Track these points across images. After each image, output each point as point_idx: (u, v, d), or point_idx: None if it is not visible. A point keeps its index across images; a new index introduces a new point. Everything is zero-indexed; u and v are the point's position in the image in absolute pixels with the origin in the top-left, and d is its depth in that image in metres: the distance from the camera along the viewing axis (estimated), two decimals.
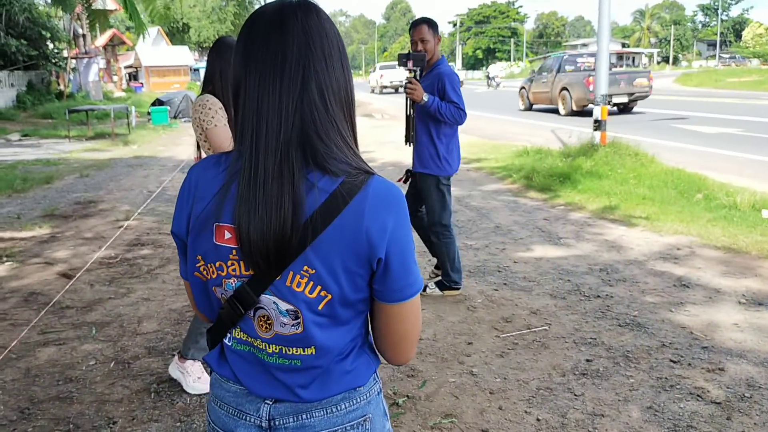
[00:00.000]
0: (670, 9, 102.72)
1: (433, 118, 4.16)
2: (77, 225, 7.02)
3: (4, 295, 4.77)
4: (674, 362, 3.44)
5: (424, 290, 4.39)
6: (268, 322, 1.11)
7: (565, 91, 18.71)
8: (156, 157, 12.81)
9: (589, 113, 15.82)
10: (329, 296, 1.07)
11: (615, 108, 17.84)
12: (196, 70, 49.14)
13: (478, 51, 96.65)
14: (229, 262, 1.10)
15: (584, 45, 70.48)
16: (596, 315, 4.13)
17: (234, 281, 1.11)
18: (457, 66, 75.48)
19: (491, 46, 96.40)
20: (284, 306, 1.09)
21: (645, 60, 75.27)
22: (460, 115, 4.13)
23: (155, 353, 3.70)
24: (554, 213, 7.00)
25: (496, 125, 17.30)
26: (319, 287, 1.06)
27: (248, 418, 1.16)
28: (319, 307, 1.08)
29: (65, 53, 30.41)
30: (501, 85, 41.73)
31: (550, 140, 12.50)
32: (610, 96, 15.94)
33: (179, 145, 14.92)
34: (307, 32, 1.08)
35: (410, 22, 4.32)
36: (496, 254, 5.56)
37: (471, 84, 47.71)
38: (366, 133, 16.33)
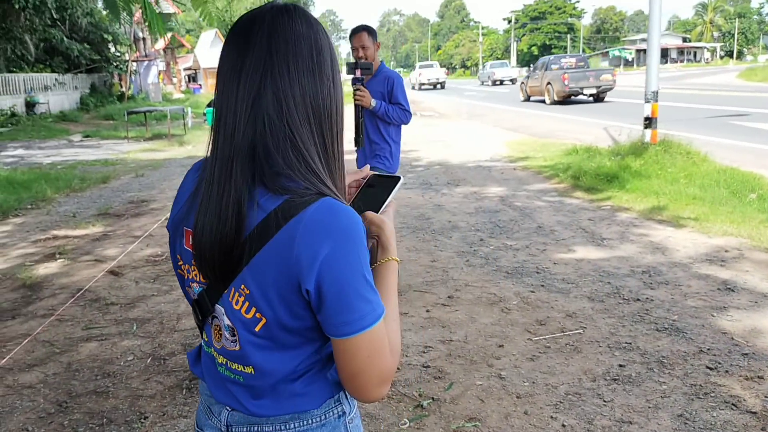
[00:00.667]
0: (735, 1, 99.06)
1: (382, 119, 4.40)
2: (128, 223, 7.26)
3: (54, 292, 4.97)
4: (711, 369, 3.33)
5: None
6: (220, 332, 1.10)
7: (549, 85, 23.41)
8: None
9: (568, 102, 22.85)
10: (264, 319, 1.02)
11: (590, 98, 22.93)
12: None
13: (533, 48, 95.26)
14: (192, 267, 1.11)
15: (643, 40, 68.63)
16: (634, 319, 4.03)
17: (197, 286, 1.12)
18: (511, 63, 74.61)
19: (547, 43, 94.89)
20: (226, 321, 1.07)
21: (707, 55, 72.93)
22: (405, 116, 4.41)
23: (190, 349, 3.79)
24: (600, 213, 6.86)
25: (544, 123, 17.05)
26: (253, 309, 1.02)
27: (214, 420, 1.17)
28: (256, 329, 1.04)
29: (126, 56, 31.43)
30: None
31: (600, 138, 12.24)
32: (582, 88, 22.19)
33: None
34: (272, 35, 1.02)
35: (351, 30, 4.49)
36: (536, 255, 5.48)
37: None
38: (415, 132, 16.34)
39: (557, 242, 5.84)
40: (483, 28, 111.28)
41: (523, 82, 27.41)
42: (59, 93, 25.59)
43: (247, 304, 1.02)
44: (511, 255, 5.51)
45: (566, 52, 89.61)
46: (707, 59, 71.07)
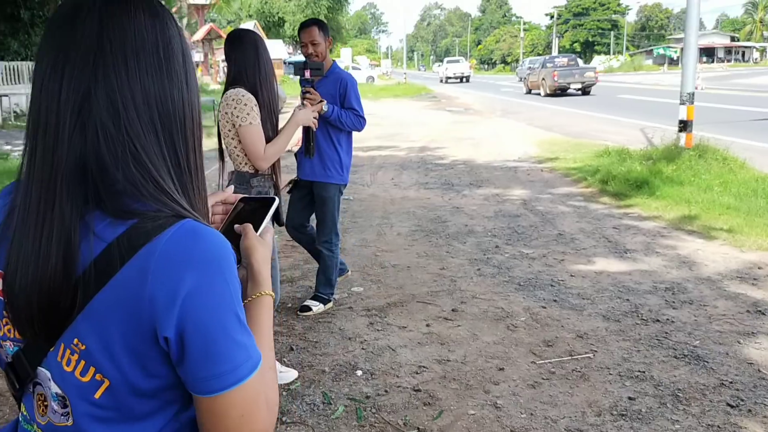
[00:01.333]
0: None
1: (334, 126, 4.02)
2: None
3: None
4: (732, 406, 2.99)
5: (308, 310, 4.20)
6: (45, 403, 0.86)
7: (543, 80, 28.49)
8: None
9: (559, 94, 27.11)
10: (106, 382, 0.80)
11: (579, 92, 27.28)
12: (291, 63, 50.17)
13: (575, 44, 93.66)
14: (4, 321, 0.86)
15: None
16: (651, 343, 3.70)
17: (10, 345, 0.87)
18: None
19: (590, 39, 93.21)
20: (54, 388, 0.84)
21: (756, 54, 70.62)
22: (359, 122, 4.06)
23: None
24: (626, 222, 6.48)
25: (580, 122, 16.55)
26: (92, 369, 0.80)
27: None
28: (96, 396, 0.81)
29: None
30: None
31: (634, 139, 11.76)
32: (569, 83, 26.79)
33: None
34: (104, 23, 0.82)
35: (299, 24, 4.10)
36: (552, 266, 5.16)
37: None
38: (445, 128, 16.01)
39: (577, 252, 5.51)
40: (525, 23, 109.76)
41: (525, 77, 33.01)
42: None
43: (83, 363, 0.80)
44: (526, 265, 5.19)
45: (609, 50, 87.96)
46: (756, 59, 68.83)
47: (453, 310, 4.25)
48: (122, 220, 0.80)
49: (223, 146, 3.05)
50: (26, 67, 20.97)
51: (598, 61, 64.75)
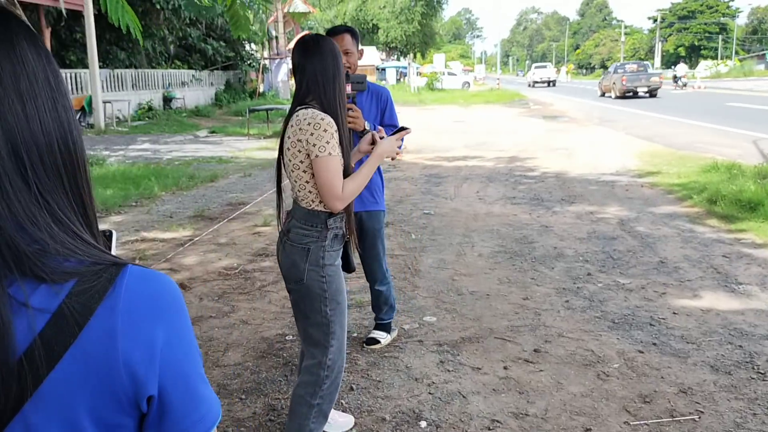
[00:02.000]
0: None
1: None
2: (217, 229, 7.04)
3: None
4: None
5: (376, 343, 3.86)
6: None
7: (614, 84, 31.90)
8: None
9: (629, 96, 30.59)
10: None
11: (646, 94, 30.75)
12: (383, 69, 50.37)
13: (680, 48, 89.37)
14: None
15: None
16: None
17: None
18: (655, 65, 70.28)
19: (696, 43, 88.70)
20: None
21: None
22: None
23: (223, 394, 3.35)
24: (738, 249, 5.78)
25: (684, 132, 15.45)
26: None
27: None
28: None
29: (259, 54, 32.43)
30: (695, 85, 37.95)
31: (748, 153, 10.77)
32: (636, 87, 30.55)
33: None
34: None
35: (327, 30, 3.52)
36: (652, 300, 4.60)
37: (665, 84, 43.88)
38: (537, 137, 15.35)
39: (681, 284, 4.91)
40: (626, 27, 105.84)
41: (600, 82, 36.56)
42: (195, 89, 26.74)
43: None
44: (621, 297, 4.66)
45: (717, 54, 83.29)
46: None
47: (535, 351, 3.80)
48: (57, 284, 0.71)
49: (286, 179, 2.51)
50: (129, 74, 21.88)
51: (704, 66, 61.21)
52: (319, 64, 2.41)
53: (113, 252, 0.88)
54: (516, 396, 3.28)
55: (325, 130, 2.29)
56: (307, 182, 2.38)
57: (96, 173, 10.37)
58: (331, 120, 2.32)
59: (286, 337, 4.07)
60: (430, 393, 3.33)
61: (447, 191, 8.99)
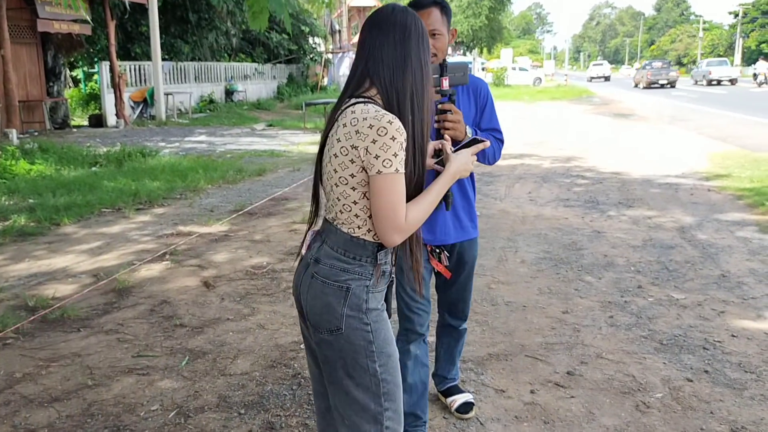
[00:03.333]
0: None
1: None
2: (254, 225, 6.88)
3: (138, 301, 4.60)
4: None
5: (467, 412, 3.00)
6: None
7: (641, 78, 41.49)
8: None
9: (653, 87, 39.63)
10: None
11: (669, 86, 39.22)
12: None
13: (763, 45, 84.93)
14: None
15: None
16: None
17: None
18: (735, 61, 67.04)
19: None
20: None
21: None
22: (499, 149, 2.77)
23: (222, 407, 3.12)
24: None
25: (762, 132, 14.47)
26: None
27: None
28: None
29: (322, 48, 32.48)
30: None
31: None
32: (658, 80, 39.42)
33: None
34: None
35: (410, 1, 2.59)
36: (709, 319, 4.13)
37: (744, 82, 41.71)
38: (601, 135, 14.68)
39: (743, 302, 4.41)
40: (705, 22, 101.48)
41: (634, 76, 45.93)
42: (257, 82, 26.95)
43: None
44: (673, 315, 4.21)
45: None
46: None
47: (568, 373, 3.42)
48: None
49: (325, 190, 1.89)
50: (192, 67, 22.19)
51: None
52: (387, 41, 1.79)
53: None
54: (540, 426, 2.92)
55: (393, 138, 1.68)
56: (355, 202, 1.78)
57: (147, 165, 10.43)
58: (401, 124, 1.71)
59: (301, 345, 3.82)
60: (444, 417, 3.01)
61: (498, 191, 8.58)
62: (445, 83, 2.37)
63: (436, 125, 2.44)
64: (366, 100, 1.76)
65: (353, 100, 1.77)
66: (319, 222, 1.94)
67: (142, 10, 18.37)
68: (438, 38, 2.52)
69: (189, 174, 9.65)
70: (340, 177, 1.76)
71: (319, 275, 1.81)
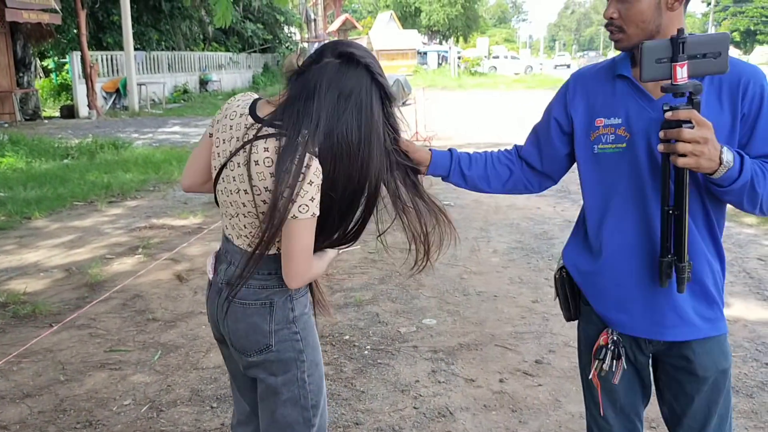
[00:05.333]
0: None
1: (717, 201, 1.62)
2: None
3: (109, 295, 4.59)
4: None
5: None
6: None
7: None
8: None
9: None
10: None
11: None
12: (424, 53, 49.77)
13: (734, 33, 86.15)
14: None
15: None
16: None
17: None
18: None
19: (752, 28, 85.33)
20: None
21: None
22: None
23: (195, 401, 3.14)
24: None
25: None
26: None
27: None
28: None
29: (297, 37, 32.29)
30: None
31: None
32: None
33: None
34: None
35: None
36: None
37: None
38: None
39: None
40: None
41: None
42: (232, 71, 26.75)
43: None
44: None
45: None
46: None
47: (536, 362, 3.49)
48: None
49: (225, 211, 1.74)
50: (165, 56, 21.94)
51: (760, 52, 58.91)
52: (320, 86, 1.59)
53: None
54: (508, 414, 2.99)
55: (311, 183, 1.55)
56: (251, 224, 1.69)
57: (120, 157, 10.33)
58: (318, 165, 1.55)
59: None
60: (414, 407, 3.06)
61: None
62: (682, 72, 1.46)
63: (660, 148, 1.48)
64: (278, 133, 1.57)
65: (265, 130, 1.59)
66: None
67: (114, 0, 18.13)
68: (626, 2, 1.58)
69: (162, 166, 9.59)
70: (248, 211, 1.65)
71: (237, 298, 1.70)
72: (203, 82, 23.97)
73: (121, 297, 4.56)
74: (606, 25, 1.64)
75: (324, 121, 1.57)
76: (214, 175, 1.72)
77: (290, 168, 1.52)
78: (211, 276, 1.80)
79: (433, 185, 6.40)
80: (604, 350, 1.72)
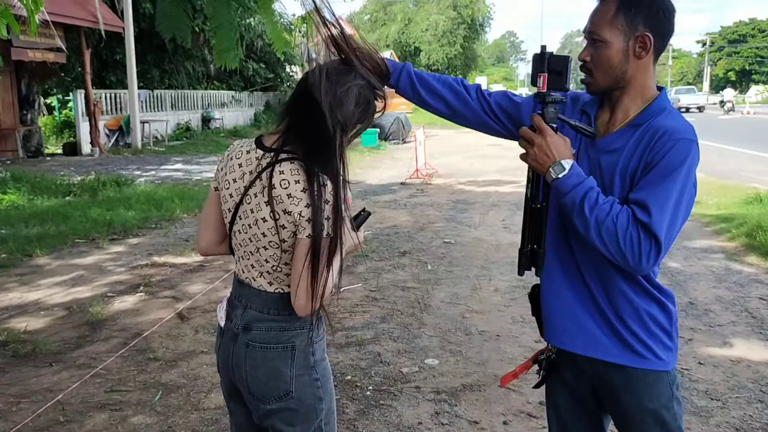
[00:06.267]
0: None
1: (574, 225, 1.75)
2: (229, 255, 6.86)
3: (110, 334, 4.57)
4: None
5: None
6: None
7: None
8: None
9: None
10: None
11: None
12: None
13: (730, 72, 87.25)
14: None
15: None
16: None
17: None
18: (704, 89, 68.68)
19: (746, 68, 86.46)
20: None
21: None
22: (637, 243, 1.58)
23: None
24: None
25: (729, 160, 14.83)
26: None
27: None
28: None
29: (299, 76, 32.70)
30: (744, 110, 36.99)
31: None
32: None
33: (376, 169, 14.83)
34: None
35: None
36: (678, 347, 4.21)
37: (712, 109, 42.77)
38: None
39: (710, 329, 4.51)
40: (674, 50, 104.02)
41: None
42: (235, 110, 27.01)
43: None
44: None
45: None
46: None
47: (540, 403, 3.46)
48: None
49: (241, 249, 1.74)
50: (168, 95, 22.17)
51: (755, 91, 59.65)
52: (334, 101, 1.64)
53: None
54: None
55: (327, 201, 1.60)
56: (286, 263, 1.67)
57: (122, 194, 10.37)
58: (333, 186, 1.61)
59: None
60: None
61: (472, 219, 8.67)
62: (539, 82, 1.69)
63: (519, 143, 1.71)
64: (291, 157, 1.62)
65: (282, 156, 1.63)
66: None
67: (118, 39, 18.36)
68: (597, 47, 1.67)
69: (164, 203, 9.62)
70: (270, 241, 1.65)
71: (256, 342, 1.68)
72: (206, 120, 24.16)
73: (122, 336, 4.54)
74: (580, 68, 1.72)
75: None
76: (228, 219, 1.75)
77: (312, 189, 1.57)
78: (223, 323, 1.78)
79: (432, 223, 6.47)
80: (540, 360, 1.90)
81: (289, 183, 1.59)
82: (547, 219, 1.75)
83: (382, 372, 3.87)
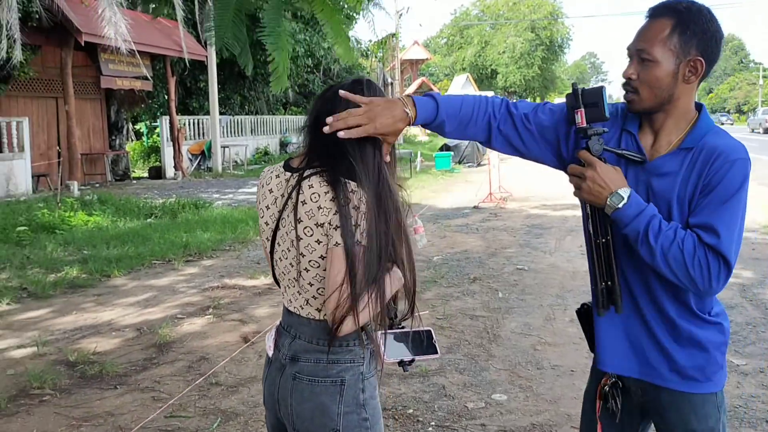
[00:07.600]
0: None
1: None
2: None
3: (176, 357, 4.59)
4: None
5: None
6: None
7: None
8: (420, 204, 12.51)
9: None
10: None
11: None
12: None
13: None
14: None
15: None
16: None
17: None
18: None
19: None
20: None
21: None
22: (704, 271, 1.55)
23: None
24: None
25: None
26: None
27: None
28: None
29: None
30: None
31: None
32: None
33: (449, 192, 14.66)
34: None
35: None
36: (726, 365, 3.84)
37: None
38: None
39: None
40: (764, 69, 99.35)
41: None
42: None
43: None
44: (733, 382, 3.93)
45: None
46: None
47: None
48: None
49: (285, 277, 1.67)
50: (248, 120, 22.81)
51: None
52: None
53: None
54: None
55: (357, 208, 1.52)
56: (316, 293, 1.62)
57: (200, 216, 10.62)
58: (363, 192, 1.54)
59: None
60: None
61: (547, 244, 8.36)
62: (578, 117, 1.66)
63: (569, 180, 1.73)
64: (319, 171, 1.58)
65: (308, 171, 1.59)
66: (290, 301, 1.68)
67: (202, 67, 19.06)
68: (645, 65, 1.62)
69: (239, 225, 9.77)
70: (309, 261, 1.57)
71: (304, 374, 1.59)
72: (283, 144, 24.70)
73: (187, 359, 4.54)
74: (623, 85, 1.67)
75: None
76: (268, 248, 1.68)
77: (338, 195, 1.52)
78: (270, 353, 1.70)
79: (505, 248, 6.22)
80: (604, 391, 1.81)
81: (319, 195, 1.54)
82: (616, 252, 1.69)
83: (446, 406, 3.69)
